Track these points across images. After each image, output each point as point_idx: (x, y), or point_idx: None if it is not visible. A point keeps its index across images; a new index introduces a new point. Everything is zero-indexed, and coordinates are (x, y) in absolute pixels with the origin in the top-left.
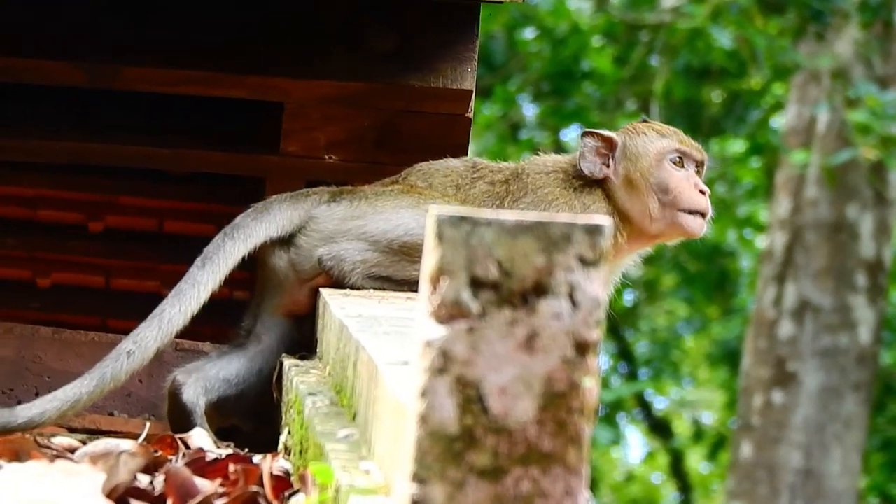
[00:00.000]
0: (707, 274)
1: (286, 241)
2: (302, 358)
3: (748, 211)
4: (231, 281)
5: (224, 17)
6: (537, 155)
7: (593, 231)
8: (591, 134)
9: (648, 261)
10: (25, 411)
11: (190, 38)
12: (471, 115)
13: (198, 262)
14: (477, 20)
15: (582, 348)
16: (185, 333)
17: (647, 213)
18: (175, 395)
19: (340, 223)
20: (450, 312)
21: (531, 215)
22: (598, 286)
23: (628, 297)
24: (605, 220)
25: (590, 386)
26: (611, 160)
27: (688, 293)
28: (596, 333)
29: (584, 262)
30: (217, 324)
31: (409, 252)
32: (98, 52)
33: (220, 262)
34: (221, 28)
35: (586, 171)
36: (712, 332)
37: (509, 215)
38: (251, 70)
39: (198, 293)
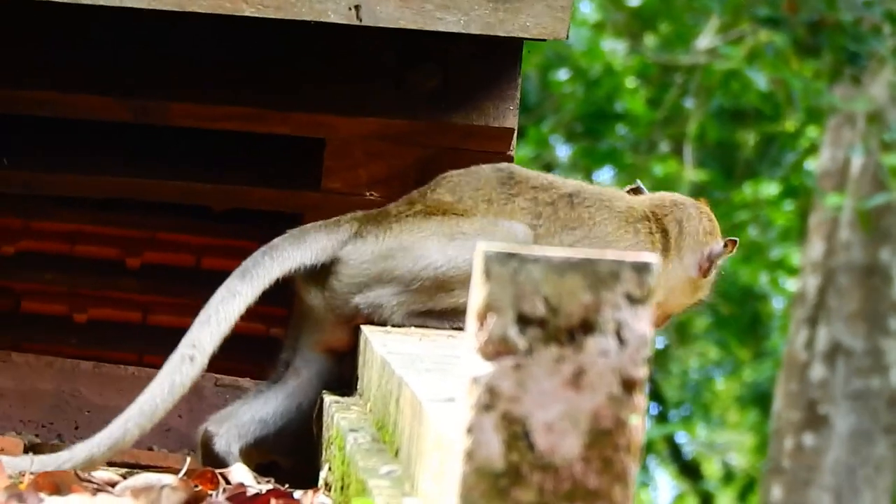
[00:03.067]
0: (739, 316)
1: (321, 279)
2: (342, 394)
3: (781, 254)
4: (267, 317)
5: (267, 53)
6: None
7: (641, 269)
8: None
9: None
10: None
11: (233, 73)
12: (513, 153)
13: (237, 273)
14: (520, 58)
15: (629, 386)
16: (224, 369)
17: (679, 308)
18: (207, 446)
19: (370, 267)
20: (496, 349)
21: (579, 252)
22: (645, 324)
23: (659, 340)
24: (653, 257)
25: (636, 423)
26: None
27: (719, 336)
28: (643, 371)
29: (632, 300)
30: (254, 360)
31: (443, 284)
32: (140, 87)
33: (258, 276)
34: (264, 64)
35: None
36: (743, 375)
37: (557, 252)
38: (294, 106)
39: (238, 303)
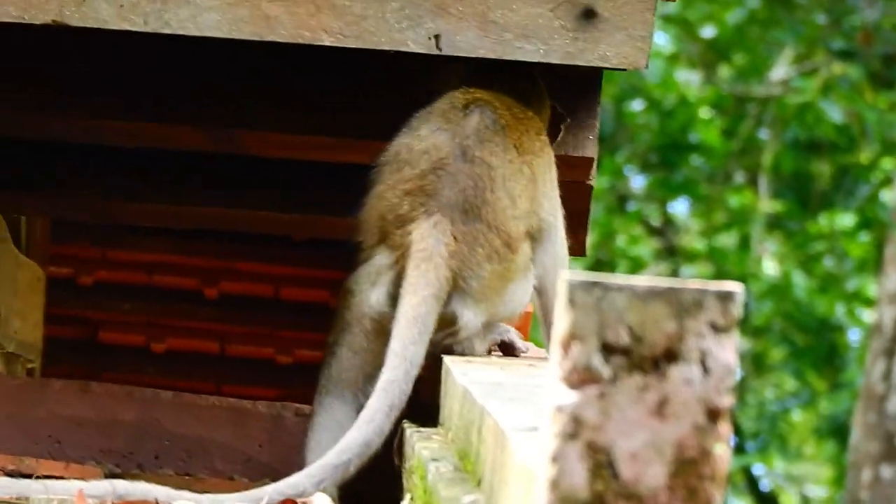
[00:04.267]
0: (815, 348)
1: None
2: (423, 423)
3: (857, 285)
4: None
5: (345, 82)
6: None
7: (725, 297)
8: None
9: (756, 334)
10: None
11: (311, 102)
12: (592, 182)
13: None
14: (599, 88)
15: (713, 415)
16: (305, 398)
17: None
18: None
19: (478, 323)
20: (581, 377)
21: (663, 281)
22: (729, 353)
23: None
24: (737, 286)
25: (721, 453)
26: None
27: (796, 367)
28: (727, 400)
29: (716, 329)
30: None
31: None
32: (219, 116)
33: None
34: (343, 93)
35: None
36: (820, 406)
37: (641, 280)
38: (373, 135)
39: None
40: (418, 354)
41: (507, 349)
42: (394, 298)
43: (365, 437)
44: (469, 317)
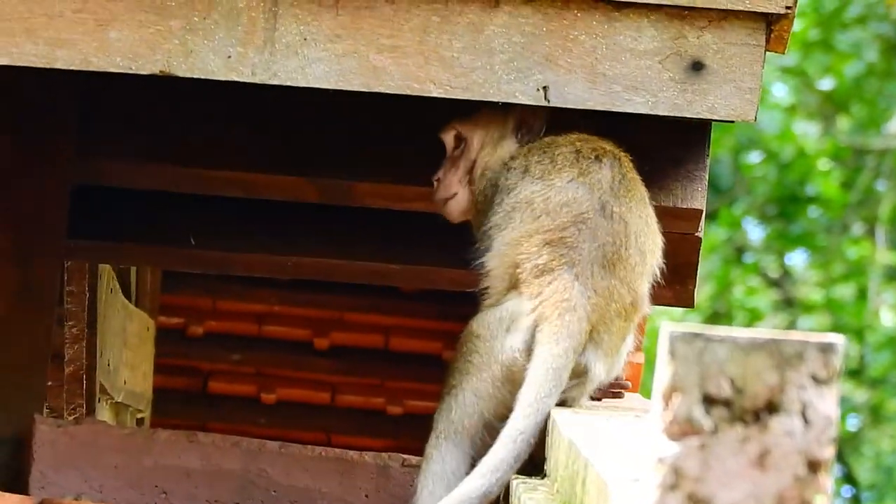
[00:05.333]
0: None
1: None
2: (529, 474)
3: None
4: None
5: None
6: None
7: (826, 349)
8: None
9: (873, 385)
10: None
11: (420, 153)
12: (701, 234)
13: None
14: (708, 139)
15: (814, 466)
16: (413, 449)
17: None
18: None
19: (601, 383)
20: (682, 429)
21: (764, 332)
22: (830, 404)
23: (852, 422)
24: (838, 338)
25: None
26: None
27: None
28: (828, 451)
29: (817, 381)
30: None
31: None
32: (329, 167)
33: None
34: None
35: None
36: None
37: (742, 332)
38: None
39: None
40: (550, 406)
41: (613, 385)
42: (529, 347)
43: (487, 487)
44: (599, 369)
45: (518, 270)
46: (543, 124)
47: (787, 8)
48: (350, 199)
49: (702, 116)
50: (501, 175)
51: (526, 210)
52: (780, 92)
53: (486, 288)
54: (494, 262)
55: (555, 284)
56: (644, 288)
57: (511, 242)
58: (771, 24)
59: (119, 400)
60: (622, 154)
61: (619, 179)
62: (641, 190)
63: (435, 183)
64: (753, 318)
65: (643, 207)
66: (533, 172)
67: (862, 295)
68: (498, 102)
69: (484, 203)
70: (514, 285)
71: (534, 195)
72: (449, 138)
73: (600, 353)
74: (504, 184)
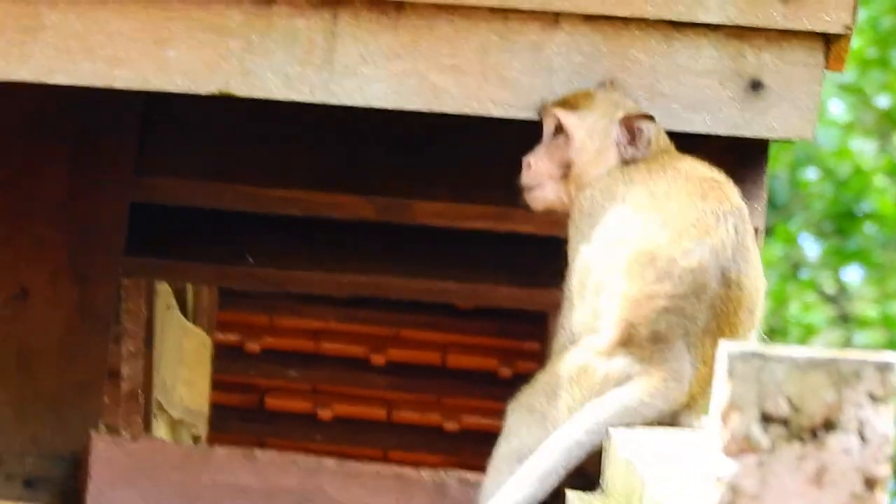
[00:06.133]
0: None
1: None
2: (585, 490)
3: None
4: None
5: (512, 151)
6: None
7: (884, 368)
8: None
9: None
10: None
11: (477, 172)
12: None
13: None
14: (766, 158)
15: (871, 484)
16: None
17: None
18: None
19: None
20: (740, 447)
21: (821, 351)
22: (887, 422)
23: None
24: (895, 357)
25: None
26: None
27: None
28: (885, 469)
29: (874, 399)
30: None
31: None
32: (385, 185)
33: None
34: (509, 163)
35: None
36: None
37: (799, 351)
38: None
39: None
40: (610, 426)
41: None
42: None
43: (535, 492)
44: (689, 423)
45: (634, 331)
46: (649, 141)
47: (847, 28)
48: (408, 218)
49: (760, 135)
50: (610, 195)
51: (648, 267)
52: (837, 109)
53: (594, 324)
54: (610, 308)
55: (667, 353)
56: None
57: (630, 298)
58: (829, 44)
59: (176, 417)
60: (742, 206)
61: (741, 240)
62: (754, 239)
63: (525, 165)
64: (808, 333)
65: (756, 262)
66: (652, 214)
67: None
68: (602, 86)
69: (586, 219)
70: (627, 343)
71: (658, 250)
72: (549, 123)
73: (694, 415)
74: (614, 208)
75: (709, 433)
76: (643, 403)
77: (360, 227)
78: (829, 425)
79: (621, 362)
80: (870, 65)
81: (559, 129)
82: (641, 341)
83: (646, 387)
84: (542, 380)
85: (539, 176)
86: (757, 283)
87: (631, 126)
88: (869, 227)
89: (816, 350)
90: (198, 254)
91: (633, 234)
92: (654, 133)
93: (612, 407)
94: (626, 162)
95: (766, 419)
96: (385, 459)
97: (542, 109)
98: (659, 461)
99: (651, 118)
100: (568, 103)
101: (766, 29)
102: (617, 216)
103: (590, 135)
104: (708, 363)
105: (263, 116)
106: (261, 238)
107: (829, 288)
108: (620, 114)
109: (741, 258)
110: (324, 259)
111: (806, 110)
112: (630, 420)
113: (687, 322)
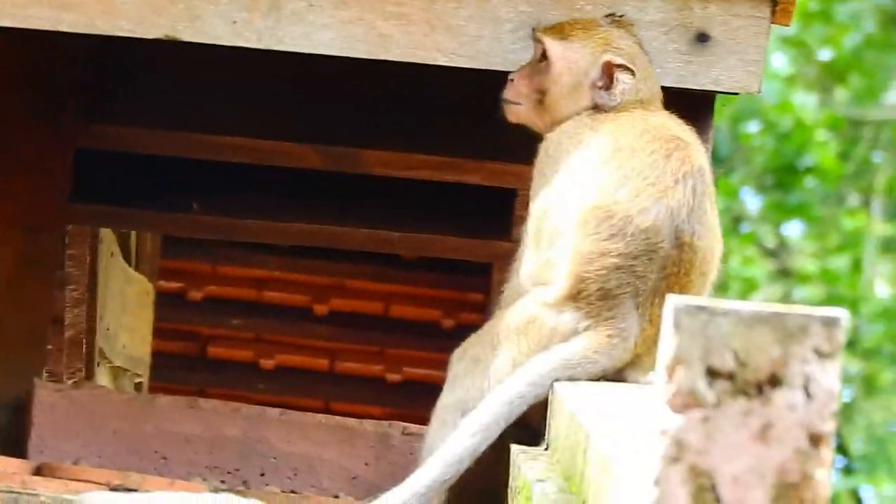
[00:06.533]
0: None
1: None
2: (529, 444)
3: None
4: None
5: (459, 102)
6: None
7: (831, 323)
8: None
9: (867, 356)
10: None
11: (425, 122)
12: None
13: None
14: (712, 111)
15: (815, 440)
16: (412, 417)
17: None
18: None
19: None
20: (685, 401)
21: (768, 306)
22: (833, 379)
23: (845, 393)
24: (842, 312)
25: (823, 478)
26: None
27: None
28: (830, 425)
29: (820, 355)
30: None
31: None
32: (332, 134)
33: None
34: (456, 113)
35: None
36: None
37: (746, 305)
38: (485, 156)
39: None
40: (553, 380)
41: None
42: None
43: (476, 445)
44: (634, 380)
45: (584, 286)
46: (623, 93)
47: None
48: (355, 167)
49: (706, 88)
50: (576, 139)
51: (603, 222)
52: (779, 62)
53: (543, 274)
54: (561, 260)
55: (615, 311)
56: None
57: (582, 252)
58: None
59: (118, 364)
60: (705, 168)
61: (698, 203)
62: (713, 201)
63: (509, 80)
64: (749, 288)
65: (713, 224)
66: (614, 168)
67: (857, 266)
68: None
69: (550, 163)
70: (575, 297)
71: (615, 206)
72: (538, 48)
73: (640, 371)
74: (578, 153)
75: (654, 387)
76: (587, 359)
77: (306, 176)
78: (774, 381)
79: (569, 317)
80: (812, 18)
81: (545, 55)
82: (590, 297)
83: (591, 343)
84: (489, 330)
85: (517, 94)
86: (712, 245)
87: (611, 72)
88: (810, 182)
89: (764, 305)
90: (142, 201)
91: (592, 186)
92: (629, 86)
93: (556, 361)
94: (596, 107)
95: (712, 374)
96: (327, 409)
97: (533, 37)
98: (604, 415)
99: (631, 71)
100: (558, 31)
101: None
102: (579, 163)
103: (569, 67)
104: (655, 323)
105: (212, 65)
106: (206, 186)
107: (770, 242)
108: (607, 57)
109: (696, 220)
110: (269, 208)
111: (752, 64)
112: (572, 375)
113: (637, 281)
